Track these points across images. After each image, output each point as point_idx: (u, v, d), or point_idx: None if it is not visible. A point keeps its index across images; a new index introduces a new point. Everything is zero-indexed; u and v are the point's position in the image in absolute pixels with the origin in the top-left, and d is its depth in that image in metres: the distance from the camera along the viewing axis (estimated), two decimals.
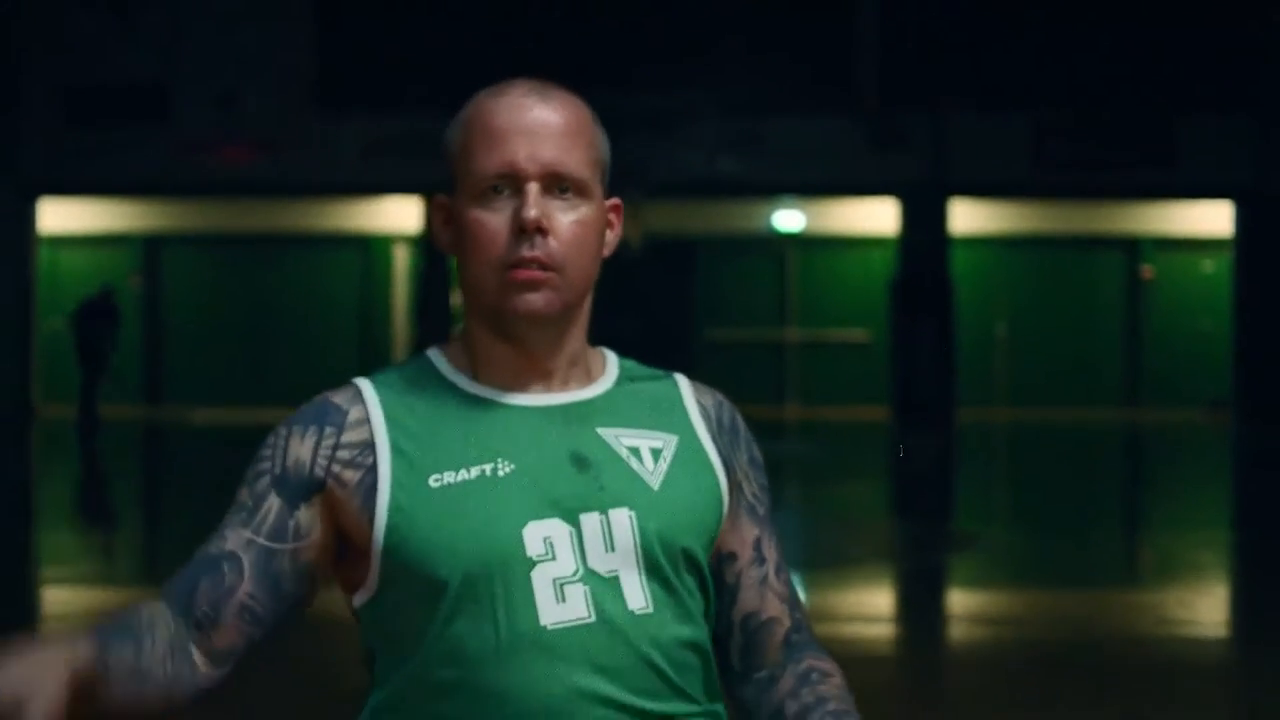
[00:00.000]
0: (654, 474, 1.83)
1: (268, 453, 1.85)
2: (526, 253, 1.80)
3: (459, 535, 1.77)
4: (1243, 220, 22.81)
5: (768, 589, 1.91)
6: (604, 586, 1.78)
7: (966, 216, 23.08)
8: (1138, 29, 22.26)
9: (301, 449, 1.84)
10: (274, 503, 1.82)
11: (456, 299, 22.08)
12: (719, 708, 1.86)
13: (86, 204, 23.48)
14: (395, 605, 1.81)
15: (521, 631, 1.75)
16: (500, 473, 1.79)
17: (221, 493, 2.04)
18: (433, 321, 22.14)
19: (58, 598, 8.39)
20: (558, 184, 1.83)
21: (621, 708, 1.77)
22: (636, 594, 1.79)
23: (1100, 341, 23.95)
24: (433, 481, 1.79)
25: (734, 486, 1.90)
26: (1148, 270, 23.97)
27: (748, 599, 1.90)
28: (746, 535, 1.91)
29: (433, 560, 1.77)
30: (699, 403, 1.93)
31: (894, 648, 7.12)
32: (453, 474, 1.79)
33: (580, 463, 1.82)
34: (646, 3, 22.13)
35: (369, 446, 1.82)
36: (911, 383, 21.99)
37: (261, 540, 1.81)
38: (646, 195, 21.12)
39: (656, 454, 1.85)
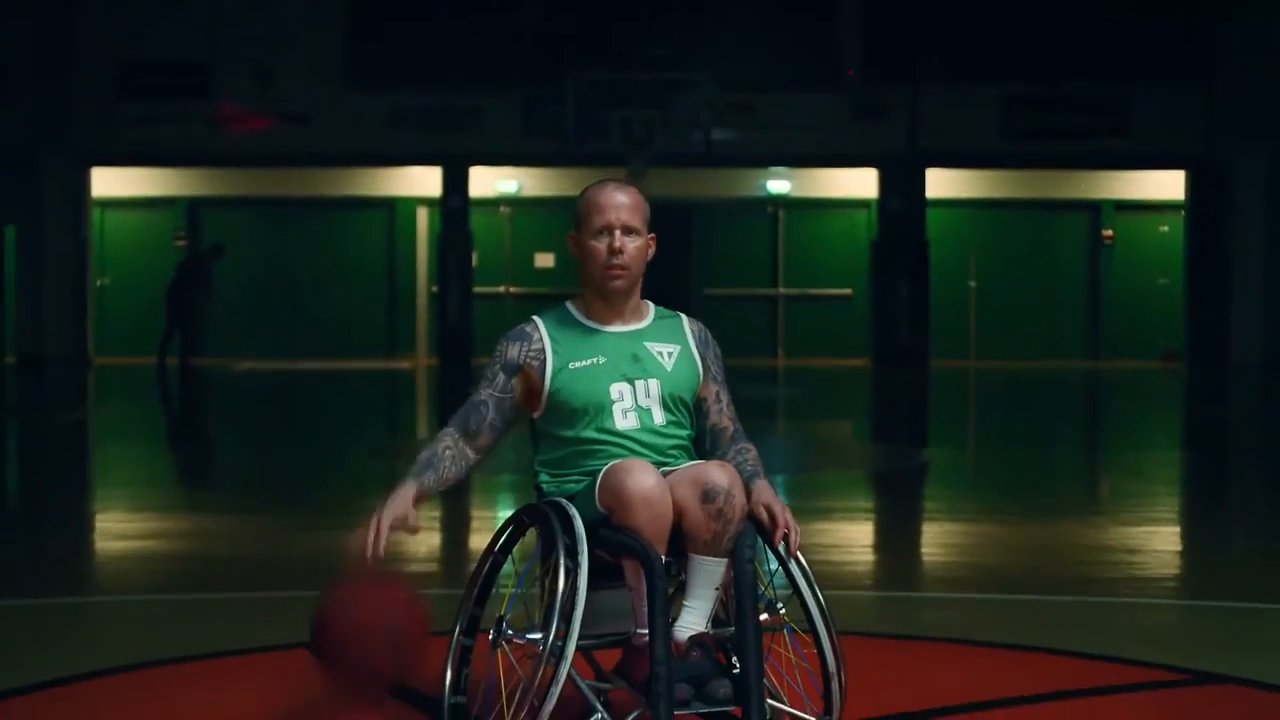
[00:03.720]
0: (668, 364, 4.03)
1: (498, 353, 4.07)
2: (614, 261, 4.00)
3: (581, 389, 3.97)
4: (1194, 186, 23.82)
5: (722, 414, 4.10)
6: (644, 413, 3.96)
7: (940, 182, 23.94)
8: (1098, 7, 23.10)
9: (513, 350, 4.05)
10: (502, 376, 4.02)
11: (475, 259, 23.60)
12: None
13: (134, 170, 24.33)
14: (554, 419, 3.99)
15: (609, 430, 3.92)
16: (599, 363, 4.00)
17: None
18: (452, 276, 23.29)
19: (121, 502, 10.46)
20: (627, 230, 3.99)
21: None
22: (659, 417, 3.98)
23: (1064, 298, 24.93)
24: (571, 366, 3.96)
25: (705, 369, 4.07)
26: (1108, 232, 24.93)
27: (712, 418, 4.09)
28: (711, 390, 4.11)
29: (571, 400, 3.95)
30: (691, 330, 4.15)
31: (855, 532, 8.95)
32: (579, 363, 3.97)
33: (635, 358, 4.04)
34: None
35: (542, 350, 4.01)
36: (889, 335, 23.31)
37: (496, 393, 4.04)
38: (648, 163, 22.11)
39: (670, 355, 4.06)
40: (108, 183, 24.15)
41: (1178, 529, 8.80)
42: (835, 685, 3.76)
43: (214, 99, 23.12)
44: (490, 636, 3.80)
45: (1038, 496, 10.14)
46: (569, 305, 4.13)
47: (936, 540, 8.41)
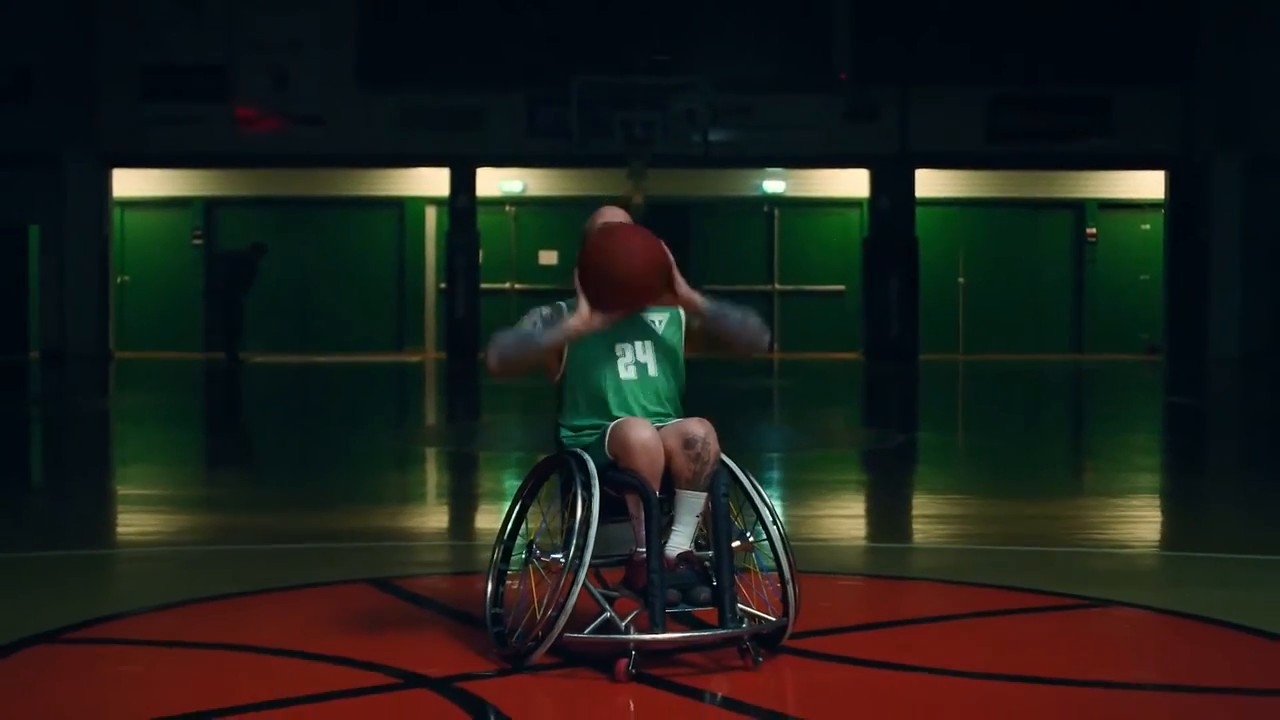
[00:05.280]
0: (659, 327, 5.05)
1: (532, 311, 5.00)
2: None
3: (594, 342, 4.91)
4: (1173, 185, 24.43)
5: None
6: (642, 366, 4.96)
7: (930, 182, 24.51)
8: (1080, 13, 23.73)
9: (545, 309, 4.97)
10: (542, 311, 4.97)
11: (481, 257, 24.25)
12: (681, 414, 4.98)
13: (153, 171, 24.78)
14: (572, 371, 4.92)
15: (616, 379, 4.91)
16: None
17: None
18: (459, 273, 23.91)
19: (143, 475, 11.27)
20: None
21: (645, 410, 4.86)
22: (654, 368, 4.95)
23: (1049, 294, 25.56)
24: None
25: (688, 322, 5.03)
26: (1091, 231, 25.50)
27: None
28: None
29: (586, 353, 4.91)
30: (682, 311, 5.04)
31: (840, 498, 9.66)
32: None
33: (633, 323, 5.03)
34: None
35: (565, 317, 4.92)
36: (881, 330, 23.98)
37: (539, 320, 4.95)
38: (648, 164, 22.93)
39: (660, 321, 5.07)
40: (128, 183, 24.77)
41: (1130, 498, 9.65)
42: (790, 591, 4.72)
43: (231, 102, 23.75)
44: (523, 557, 4.79)
45: (1009, 471, 10.99)
46: None
47: (911, 505, 9.32)
